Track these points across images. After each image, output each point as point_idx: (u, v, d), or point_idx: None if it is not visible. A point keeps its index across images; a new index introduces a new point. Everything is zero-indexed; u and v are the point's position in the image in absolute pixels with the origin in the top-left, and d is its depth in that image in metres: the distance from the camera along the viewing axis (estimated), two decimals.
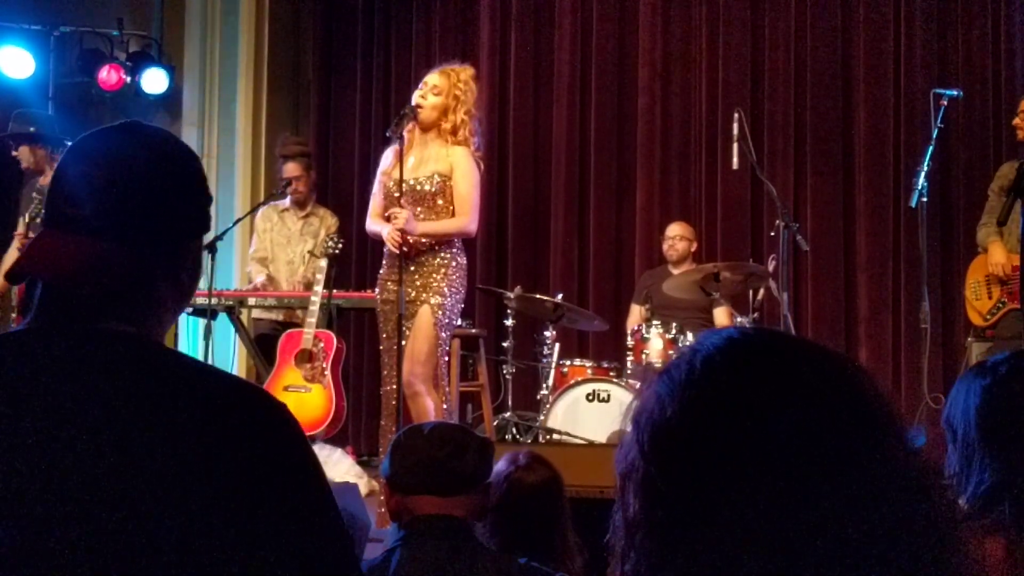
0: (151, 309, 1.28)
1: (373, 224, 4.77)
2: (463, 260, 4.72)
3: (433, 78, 4.66)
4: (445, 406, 4.69)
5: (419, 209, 4.61)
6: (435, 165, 4.63)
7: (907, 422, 0.91)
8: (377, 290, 4.77)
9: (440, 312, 4.56)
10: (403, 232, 4.48)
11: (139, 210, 1.26)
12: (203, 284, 6.05)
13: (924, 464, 0.89)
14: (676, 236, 6.53)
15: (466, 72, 4.71)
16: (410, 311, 4.56)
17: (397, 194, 4.56)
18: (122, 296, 1.25)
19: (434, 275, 4.59)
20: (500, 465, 2.70)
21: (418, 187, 4.61)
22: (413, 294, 4.57)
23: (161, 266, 1.29)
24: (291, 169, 6.23)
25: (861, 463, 0.85)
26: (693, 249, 6.62)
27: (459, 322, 5.00)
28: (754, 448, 0.86)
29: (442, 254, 4.62)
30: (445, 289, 4.59)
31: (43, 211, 1.28)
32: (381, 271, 4.77)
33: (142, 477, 1.12)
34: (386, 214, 4.60)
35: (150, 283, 1.27)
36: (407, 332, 4.53)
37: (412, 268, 4.59)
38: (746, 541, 0.84)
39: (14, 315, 5.52)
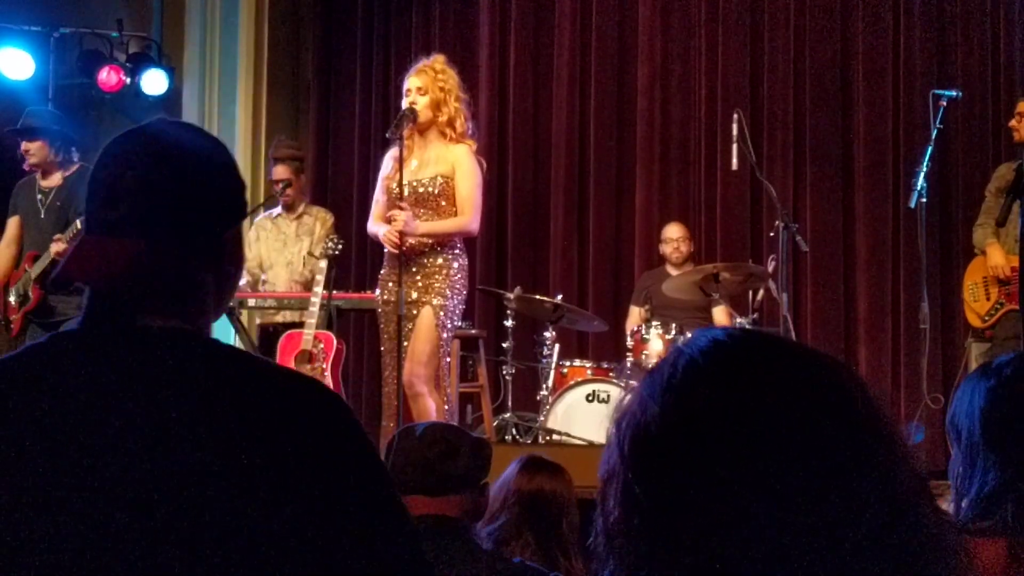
0: (195, 302, 1.30)
1: (374, 226, 4.78)
2: (465, 261, 4.73)
3: (414, 81, 4.67)
4: (446, 407, 4.70)
5: (422, 211, 4.61)
6: (437, 167, 4.64)
7: (900, 428, 0.88)
8: (378, 291, 4.78)
9: (442, 313, 4.56)
10: (402, 233, 4.48)
11: (175, 207, 1.27)
12: None
13: (915, 477, 0.86)
14: (680, 238, 6.53)
15: (438, 62, 4.73)
16: (412, 312, 4.56)
17: (399, 197, 4.56)
18: (165, 292, 1.27)
19: (436, 276, 4.60)
20: (512, 466, 2.71)
21: (421, 189, 4.61)
22: (415, 295, 4.58)
23: (204, 259, 1.30)
24: (279, 172, 6.22)
25: (845, 477, 0.82)
26: (692, 250, 6.64)
27: (460, 323, 5.00)
28: (735, 458, 0.82)
29: (444, 255, 4.63)
30: (447, 290, 4.59)
31: (83, 217, 1.30)
32: (382, 272, 4.77)
33: (200, 472, 1.13)
34: (387, 215, 4.61)
35: (194, 277, 1.29)
36: (408, 333, 4.54)
37: (414, 269, 4.59)
38: (725, 555, 0.81)
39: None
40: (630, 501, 0.86)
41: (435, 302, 4.56)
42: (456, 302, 4.65)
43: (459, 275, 4.66)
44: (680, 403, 0.86)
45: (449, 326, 4.64)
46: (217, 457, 1.14)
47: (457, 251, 4.68)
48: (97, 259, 1.26)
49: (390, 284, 4.65)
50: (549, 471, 2.72)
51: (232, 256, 1.34)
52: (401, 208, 4.52)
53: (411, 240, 4.53)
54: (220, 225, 1.32)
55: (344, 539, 1.16)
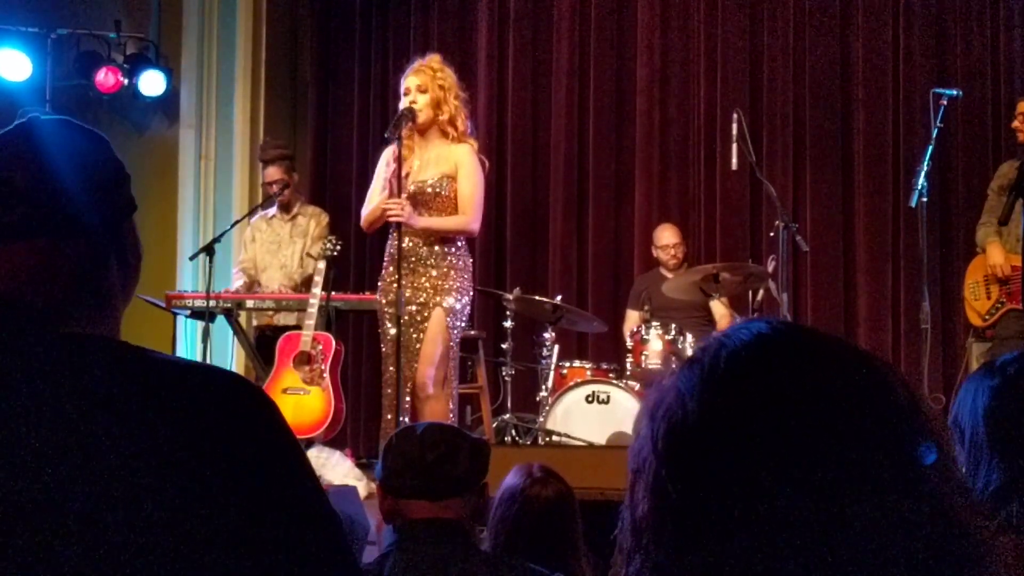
0: (105, 300, 1.26)
1: (368, 207, 4.73)
2: (469, 262, 4.71)
3: (412, 80, 4.64)
4: (451, 406, 4.68)
5: (425, 212, 4.58)
6: (440, 167, 4.61)
7: (944, 431, 0.85)
8: (379, 292, 4.75)
9: (452, 315, 4.55)
10: (401, 223, 4.45)
11: (75, 203, 1.23)
12: (201, 287, 6.05)
13: (957, 483, 0.84)
14: (677, 244, 6.47)
15: (435, 60, 4.70)
16: (422, 314, 4.53)
17: (404, 196, 4.52)
18: (77, 294, 1.23)
19: (446, 278, 4.57)
20: (512, 479, 2.69)
21: (428, 190, 4.57)
22: (424, 297, 4.54)
23: (108, 254, 1.27)
24: (271, 174, 6.21)
25: (888, 480, 0.80)
26: (687, 252, 6.62)
27: (465, 324, 4.98)
28: (773, 458, 0.80)
29: (451, 256, 4.60)
30: (456, 292, 4.57)
31: None
32: (383, 272, 4.74)
33: (127, 480, 1.10)
34: (383, 206, 4.55)
35: (102, 274, 1.26)
36: (415, 335, 4.52)
37: (421, 271, 4.57)
38: (756, 555, 0.79)
39: None
40: (661, 496, 0.84)
41: (446, 304, 4.53)
42: (464, 303, 4.63)
43: (466, 275, 4.64)
44: (721, 398, 0.83)
45: (459, 326, 4.62)
46: (136, 461, 1.10)
47: (463, 251, 4.66)
48: (3, 266, 1.20)
49: (392, 285, 4.62)
50: (552, 479, 2.71)
51: (133, 248, 1.31)
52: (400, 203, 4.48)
53: (407, 238, 4.49)
54: (118, 217, 1.29)
55: (262, 530, 1.13)
